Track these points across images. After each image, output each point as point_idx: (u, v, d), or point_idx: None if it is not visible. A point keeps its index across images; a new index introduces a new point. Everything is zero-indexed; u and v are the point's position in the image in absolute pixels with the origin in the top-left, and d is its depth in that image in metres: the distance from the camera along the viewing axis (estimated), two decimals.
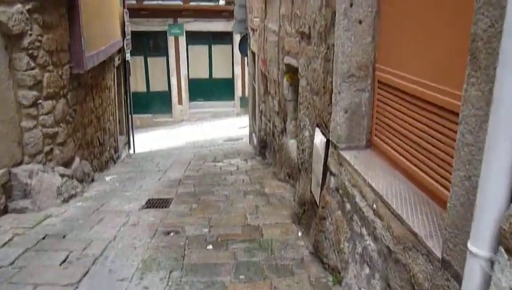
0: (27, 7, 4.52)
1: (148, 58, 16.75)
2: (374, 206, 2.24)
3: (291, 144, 5.34)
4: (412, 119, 2.20)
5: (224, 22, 15.71)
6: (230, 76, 17.43)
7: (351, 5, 2.64)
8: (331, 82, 3.02)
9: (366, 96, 2.75)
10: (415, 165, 2.19)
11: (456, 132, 1.72)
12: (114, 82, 9.11)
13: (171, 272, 3.13)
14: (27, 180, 4.62)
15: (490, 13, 1.26)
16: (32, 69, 4.69)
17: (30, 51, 4.62)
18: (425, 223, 1.84)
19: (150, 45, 16.81)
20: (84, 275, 3.07)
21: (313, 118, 3.75)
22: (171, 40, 16.56)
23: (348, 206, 2.67)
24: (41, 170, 4.83)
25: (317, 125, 3.46)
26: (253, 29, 9.18)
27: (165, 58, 16.81)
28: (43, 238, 3.76)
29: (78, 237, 3.84)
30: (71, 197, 5.10)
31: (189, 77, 17.01)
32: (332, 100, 2.92)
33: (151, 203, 5.00)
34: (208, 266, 3.22)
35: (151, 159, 9.45)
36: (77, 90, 6.06)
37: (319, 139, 3.32)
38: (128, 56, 10.77)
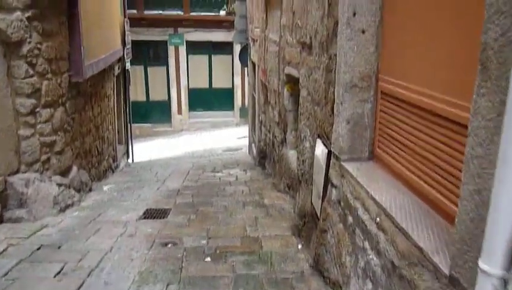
0: (26, 15, 4.50)
1: (148, 68, 16.76)
2: (377, 219, 2.18)
3: (291, 154, 5.29)
4: (416, 130, 2.16)
5: (224, 32, 15.76)
6: (230, 86, 17.44)
7: (354, 14, 2.61)
8: (333, 92, 2.98)
9: (368, 107, 2.71)
10: (419, 177, 2.13)
11: (463, 144, 1.68)
12: (113, 91, 9.08)
13: (168, 285, 3.05)
14: (23, 189, 4.56)
15: (501, 22, 1.22)
16: (31, 76, 4.65)
17: (29, 59, 4.59)
18: (431, 238, 1.78)
19: (150, 54, 16.83)
20: (79, 287, 2.99)
21: (314, 129, 3.70)
22: (171, 50, 16.59)
23: (350, 219, 2.61)
24: (38, 179, 4.77)
25: (319, 136, 3.41)
26: (253, 40, 9.19)
27: (165, 67, 16.82)
28: (38, 249, 3.68)
29: (74, 247, 3.76)
30: (68, 206, 5.03)
31: (189, 86, 17.01)
32: (334, 111, 2.87)
33: (149, 214, 4.93)
34: (205, 279, 3.15)
35: (149, 168, 9.39)
36: (76, 98, 6.02)
37: (320, 150, 3.27)
38: (128, 65, 10.77)
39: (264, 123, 7.77)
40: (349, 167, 2.68)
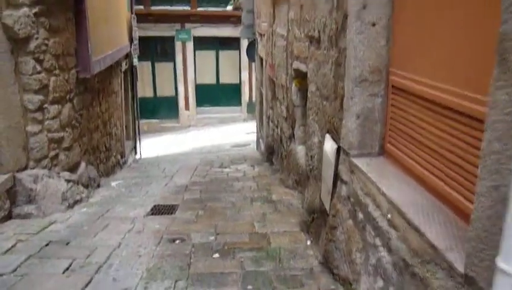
0: (33, 11, 4.48)
1: (156, 64, 16.78)
2: (389, 216, 2.14)
3: (300, 150, 5.24)
4: (428, 125, 2.11)
5: (231, 27, 15.71)
6: (238, 81, 17.41)
7: (364, 7, 2.55)
8: (342, 87, 2.93)
9: (379, 102, 2.66)
10: (432, 173, 2.09)
11: (479, 139, 1.63)
12: (121, 87, 9.08)
13: (176, 281, 3.03)
14: (32, 185, 4.57)
15: None
16: (39, 73, 4.64)
17: (36, 55, 4.58)
18: (444, 235, 1.74)
19: (157, 50, 16.84)
20: (87, 284, 2.98)
21: (323, 124, 3.65)
22: (178, 46, 16.59)
23: (360, 215, 2.57)
24: (47, 175, 4.77)
25: (328, 132, 3.37)
26: (261, 35, 9.13)
27: (172, 63, 16.83)
28: (47, 245, 3.68)
29: (82, 244, 3.76)
30: (76, 202, 5.03)
31: (196, 82, 17.01)
32: (344, 106, 2.83)
33: (157, 210, 4.92)
34: (214, 275, 3.13)
35: (157, 164, 9.39)
36: (84, 94, 6.02)
37: (329, 145, 3.23)
38: (135, 61, 10.77)
39: (272, 118, 7.73)
40: (359, 162, 2.64)
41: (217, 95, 17.24)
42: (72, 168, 5.43)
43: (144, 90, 16.09)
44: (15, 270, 3.16)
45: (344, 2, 2.83)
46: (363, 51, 2.58)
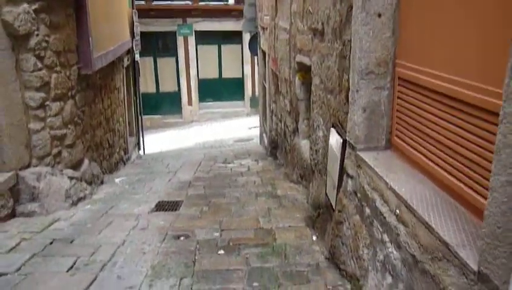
0: (33, 7, 4.43)
1: (158, 59, 16.70)
2: (397, 211, 2.10)
3: (304, 144, 5.19)
4: (438, 118, 2.05)
5: (233, 21, 15.61)
6: (240, 76, 17.32)
7: None
8: (347, 80, 2.87)
9: (385, 94, 2.60)
10: (441, 167, 2.04)
11: (492, 132, 1.58)
12: (123, 83, 9.04)
13: (181, 279, 3.00)
14: (35, 183, 4.54)
15: None
16: (40, 70, 4.60)
17: (37, 52, 4.53)
18: (455, 231, 1.69)
19: (159, 45, 16.76)
20: (92, 282, 2.96)
21: (328, 118, 3.61)
22: (180, 40, 16.50)
23: (367, 210, 2.52)
24: (50, 173, 4.74)
25: (333, 125, 3.32)
26: (263, 28, 9.05)
27: (174, 58, 16.75)
28: (51, 243, 3.66)
29: (86, 241, 3.73)
30: (80, 200, 5.01)
31: (199, 77, 16.94)
32: (349, 99, 2.77)
33: (161, 206, 4.89)
34: (219, 272, 3.10)
35: (161, 160, 9.37)
36: (86, 91, 5.98)
37: (335, 139, 3.18)
38: (137, 57, 10.71)
39: (275, 113, 7.67)
40: (366, 156, 2.59)
41: (219, 89, 17.18)
42: (75, 166, 5.41)
43: (147, 85, 16.05)
44: (19, 269, 3.14)
45: None
46: (369, 42, 2.53)
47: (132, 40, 10.01)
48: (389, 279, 2.20)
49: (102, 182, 6.20)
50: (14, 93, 4.44)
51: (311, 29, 4.16)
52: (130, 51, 9.97)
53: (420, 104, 2.24)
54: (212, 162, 8.22)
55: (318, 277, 2.97)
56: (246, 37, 12.98)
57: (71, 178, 5.04)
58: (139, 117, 11.05)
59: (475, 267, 1.45)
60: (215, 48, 17.00)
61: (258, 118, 11.49)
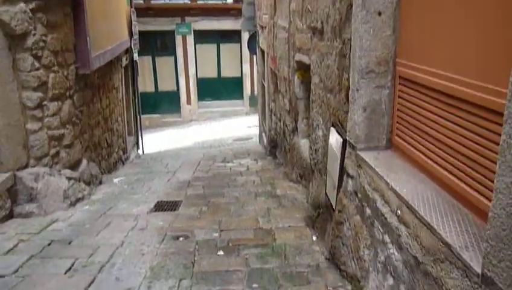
0: (30, 6, 4.40)
1: (156, 58, 16.65)
2: (398, 212, 2.07)
3: (303, 143, 5.16)
4: (438, 117, 2.03)
5: (232, 20, 15.55)
6: (239, 75, 17.27)
7: None
8: (347, 79, 2.85)
9: (386, 93, 2.58)
10: (443, 167, 2.01)
11: (496, 133, 1.55)
12: (122, 82, 9.00)
13: (180, 280, 2.98)
14: (33, 184, 4.51)
15: None
16: (37, 69, 4.57)
17: (34, 51, 4.50)
18: (458, 233, 1.67)
19: (157, 44, 16.71)
20: (90, 284, 2.93)
21: (327, 117, 3.58)
22: (178, 39, 16.44)
23: (368, 211, 2.50)
24: (48, 173, 4.71)
25: (332, 125, 3.29)
26: (262, 27, 9.02)
27: (173, 57, 16.69)
28: (49, 244, 3.63)
29: (85, 242, 3.71)
30: (78, 200, 4.98)
31: (198, 76, 16.89)
32: (350, 98, 2.74)
33: (160, 206, 4.86)
34: (219, 273, 3.07)
35: (160, 159, 9.33)
36: (84, 91, 5.95)
37: (335, 139, 3.15)
38: (135, 56, 10.66)
39: (275, 112, 7.64)
40: (366, 156, 2.56)
41: (218, 88, 17.13)
42: (74, 166, 5.38)
43: (145, 85, 16.01)
44: (17, 271, 3.11)
45: None
46: (369, 41, 2.50)
47: (130, 39, 9.97)
48: (391, 280, 2.17)
49: (100, 182, 6.17)
50: (12, 93, 4.41)
51: (311, 28, 4.13)
52: (128, 50, 9.92)
53: (421, 103, 2.21)
54: (211, 162, 8.19)
55: (318, 277, 2.95)
56: (245, 36, 12.94)
57: (69, 178, 5.01)
58: (138, 116, 11.01)
59: (479, 270, 1.43)
60: (213, 46, 16.95)
61: (257, 117, 11.46)
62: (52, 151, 4.90)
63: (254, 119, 13.10)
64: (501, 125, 1.29)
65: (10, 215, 4.28)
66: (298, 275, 3.00)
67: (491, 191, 1.63)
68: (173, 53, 16.64)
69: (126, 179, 6.75)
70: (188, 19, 16.25)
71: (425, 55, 2.16)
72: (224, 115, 16.81)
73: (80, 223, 4.23)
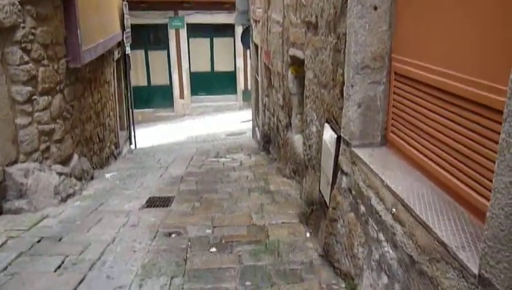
0: None
1: (149, 52, 16.49)
2: (393, 210, 2.04)
3: (297, 139, 5.13)
4: (434, 114, 2.00)
5: (225, 13, 15.42)
6: (233, 69, 17.17)
7: None
8: (342, 74, 2.81)
9: (381, 89, 2.54)
10: (439, 165, 1.98)
11: (495, 131, 1.53)
12: (114, 76, 8.90)
13: (172, 278, 2.94)
14: (23, 179, 4.44)
15: None
16: (26, 63, 4.48)
17: (23, 45, 4.41)
18: (454, 232, 1.64)
19: (150, 38, 16.54)
20: (80, 282, 2.88)
21: (321, 113, 3.54)
22: (171, 33, 16.28)
23: (362, 208, 2.47)
24: (38, 169, 4.64)
25: (327, 121, 3.25)
26: (255, 21, 8.95)
27: (166, 51, 16.54)
28: (39, 241, 3.57)
29: (75, 239, 3.65)
30: (69, 196, 4.91)
31: (191, 70, 16.76)
32: (344, 94, 2.71)
33: (152, 202, 4.81)
34: (211, 271, 3.03)
35: (152, 154, 9.26)
36: (74, 85, 5.86)
37: (329, 135, 3.11)
38: (128, 50, 10.54)
39: (268, 107, 7.60)
40: (361, 153, 2.53)
41: (211, 83, 17.02)
42: (65, 161, 5.30)
43: (138, 79, 15.86)
44: (5, 268, 3.06)
45: None
46: (365, 36, 2.46)
47: (123, 33, 9.85)
48: (385, 279, 2.15)
49: (92, 178, 6.10)
50: (0, 87, 4.33)
51: (305, 22, 4.09)
52: (120, 44, 9.81)
53: (417, 99, 2.18)
54: (204, 157, 8.14)
55: (312, 275, 2.92)
56: (239, 30, 12.85)
57: (60, 174, 4.94)
58: (130, 111, 10.92)
59: (475, 271, 1.40)
60: (207, 41, 16.82)
61: (251, 111, 11.41)
62: (43, 146, 4.83)
63: (247, 114, 13.05)
64: (499, 123, 1.27)
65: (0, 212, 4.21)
66: (291, 273, 2.97)
67: (488, 189, 1.61)
68: (166, 47, 16.49)
69: (118, 174, 6.69)
70: (181, 12, 16.09)
71: (421, 51, 2.13)
72: (218, 109, 16.73)
73: (71, 219, 4.18)
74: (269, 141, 7.66)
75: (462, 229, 1.65)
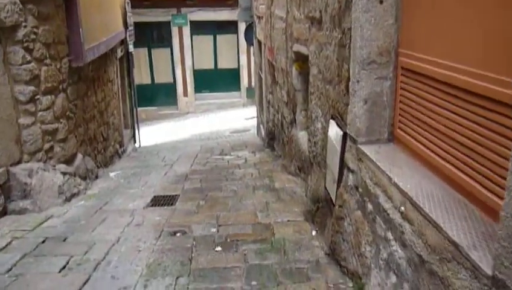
0: None
1: (152, 50, 16.47)
2: (402, 208, 1.99)
3: (302, 136, 5.08)
4: (443, 109, 1.94)
5: (228, 10, 15.37)
6: (236, 66, 17.11)
7: None
8: (347, 70, 2.76)
9: (387, 85, 2.49)
10: (448, 162, 1.93)
11: (506, 126, 1.48)
12: (117, 75, 8.88)
13: (177, 278, 2.91)
14: (27, 179, 4.42)
15: None
16: (29, 62, 4.46)
17: (25, 44, 4.39)
18: (466, 231, 1.59)
19: (153, 35, 16.51)
20: (85, 283, 2.86)
21: (326, 109, 3.49)
22: (174, 31, 16.25)
23: (369, 206, 2.42)
24: (42, 169, 4.63)
25: (332, 117, 3.20)
26: (259, 17, 8.89)
27: (169, 49, 16.51)
28: (43, 241, 3.56)
29: (80, 239, 3.63)
30: (73, 195, 4.90)
31: (194, 67, 16.72)
32: (350, 90, 2.66)
33: (157, 201, 4.79)
34: (216, 270, 3.00)
35: (157, 152, 9.25)
36: (78, 84, 5.84)
37: (334, 132, 3.07)
38: (131, 48, 10.52)
39: (272, 103, 7.55)
40: (368, 150, 2.48)
41: (215, 80, 16.97)
42: (68, 160, 5.29)
43: (141, 77, 15.85)
44: (10, 270, 3.04)
45: None
46: (370, 30, 2.40)
47: (125, 31, 9.82)
48: (394, 278, 2.11)
49: (97, 177, 6.09)
50: (3, 87, 4.31)
51: (309, 18, 4.03)
52: (123, 42, 9.78)
53: (425, 94, 2.13)
54: (208, 154, 8.11)
55: (318, 274, 2.88)
56: (242, 27, 12.80)
57: (64, 173, 4.93)
58: (134, 109, 10.90)
59: (489, 271, 1.36)
60: (210, 38, 16.77)
61: (255, 108, 11.36)
62: (46, 146, 4.81)
63: (251, 111, 13.01)
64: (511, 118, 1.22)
65: (4, 212, 4.20)
66: (298, 272, 2.93)
67: (500, 187, 1.56)
68: (169, 44, 16.46)
69: (122, 173, 6.67)
70: (184, 9, 16.05)
71: (429, 45, 2.07)
72: (221, 106, 16.69)
73: (75, 219, 4.16)
74: (274, 138, 7.61)
75: (473, 228, 1.60)
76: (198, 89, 16.86)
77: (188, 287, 2.78)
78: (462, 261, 1.51)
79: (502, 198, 1.56)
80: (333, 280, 2.77)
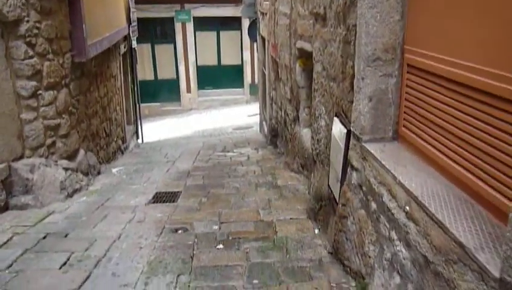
0: None
1: (155, 46, 16.42)
2: (407, 208, 1.96)
3: (305, 133, 5.05)
4: (449, 107, 1.91)
5: (232, 6, 15.29)
6: (240, 62, 17.05)
7: None
8: (352, 67, 2.72)
9: (393, 82, 2.45)
10: (454, 161, 1.90)
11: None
12: (120, 70, 8.85)
13: (178, 275, 2.88)
14: (28, 175, 4.41)
15: None
16: (31, 57, 4.43)
17: (28, 39, 4.36)
18: (472, 232, 1.56)
19: (156, 31, 16.46)
20: (85, 280, 2.84)
21: (330, 106, 3.46)
22: (178, 27, 16.19)
23: (373, 205, 2.39)
24: (44, 164, 4.61)
25: (336, 115, 3.17)
26: (262, 13, 8.84)
27: (172, 45, 16.46)
28: (44, 237, 3.54)
29: (81, 235, 3.62)
30: (75, 191, 4.88)
31: (198, 64, 16.67)
32: (355, 87, 2.62)
33: (159, 197, 4.77)
34: (218, 268, 2.98)
35: (159, 149, 9.23)
36: (80, 79, 5.81)
37: (338, 129, 3.03)
38: (134, 43, 10.48)
39: (275, 100, 7.51)
40: (372, 148, 2.45)
41: (218, 76, 16.92)
42: (71, 156, 5.27)
43: (144, 73, 15.81)
44: (10, 266, 3.03)
45: None
46: (376, 27, 2.36)
47: (129, 27, 9.79)
48: (397, 279, 2.07)
49: (99, 173, 6.08)
50: (5, 82, 4.29)
51: (313, 14, 3.99)
52: (126, 38, 9.75)
53: (431, 92, 2.09)
54: (211, 151, 8.09)
55: (321, 273, 2.85)
56: (245, 23, 12.73)
57: (66, 169, 4.91)
58: (137, 105, 10.88)
59: (497, 274, 1.32)
60: (213, 34, 16.71)
61: (258, 105, 11.32)
62: (48, 141, 4.79)
63: (254, 108, 12.96)
64: None
65: (5, 208, 4.19)
66: (300, 270, 2.90)
67: (508, 187, 1.53)
68: (173, 40, 16.40)
69: (125, 169, 6.65)
70: (187, 5, 15.97)
71: (435, 41, 2.04)
72: (224, 103, 16.65)
73: (77, 215, 4.14)
74: (277, 135, 7.58)
75: (480, 228, 1.57)
76: (201, 85, 16.81)
77: (189, 285, 2.76)
78: (469, 263, 1.48)
79: (510, 199, 1.53)
80: (336, 280, 2.74)
